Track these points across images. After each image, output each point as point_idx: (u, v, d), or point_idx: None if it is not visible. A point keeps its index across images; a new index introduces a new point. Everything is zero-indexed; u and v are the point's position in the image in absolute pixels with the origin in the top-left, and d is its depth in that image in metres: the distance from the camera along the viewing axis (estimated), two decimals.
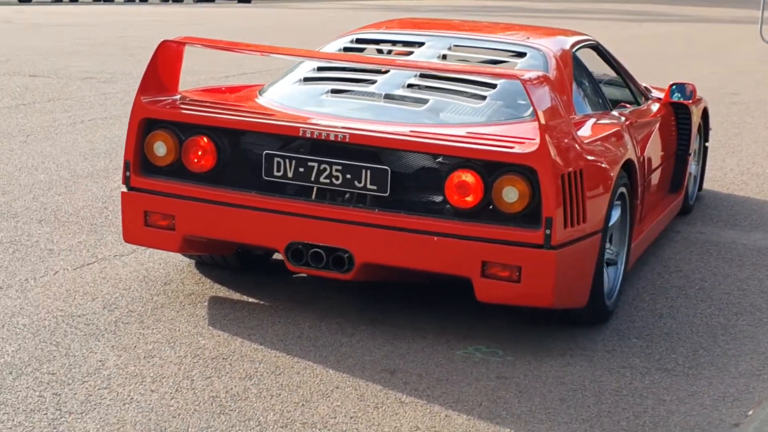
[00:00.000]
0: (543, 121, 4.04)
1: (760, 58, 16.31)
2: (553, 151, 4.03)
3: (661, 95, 6.23)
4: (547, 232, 4.04)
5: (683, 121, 6.24)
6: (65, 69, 11.95)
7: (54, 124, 8.50)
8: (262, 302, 4.68)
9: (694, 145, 6.56)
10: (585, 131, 4.60)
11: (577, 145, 4.25)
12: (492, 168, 4.09)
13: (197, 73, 11.86)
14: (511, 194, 4.06)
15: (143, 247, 5.12)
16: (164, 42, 4.48)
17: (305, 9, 27.99)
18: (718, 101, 11.62)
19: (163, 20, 21.21)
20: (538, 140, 4.04)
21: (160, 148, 4.42)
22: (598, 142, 4.54)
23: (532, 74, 4.22)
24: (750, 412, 3.84)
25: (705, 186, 7.33)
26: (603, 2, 33.53)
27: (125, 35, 16.30)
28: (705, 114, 6.87)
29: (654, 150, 5.60)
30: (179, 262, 5.11)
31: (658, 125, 5.78)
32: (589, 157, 4.31)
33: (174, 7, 29.04)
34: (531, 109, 4.22)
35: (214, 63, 12.75)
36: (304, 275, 4.86)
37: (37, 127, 8.34)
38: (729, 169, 8.05)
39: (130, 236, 4.54)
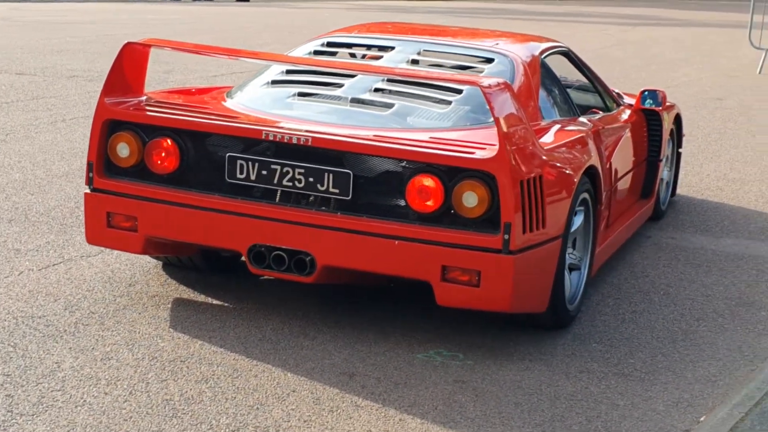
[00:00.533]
0: (503, 128, 4.06)
1: (748, 63, 16.33)
2: (511, 157, 4.05)
3: (633, 101, 6.25)
4: (506, 237, 4.06)
5: (654, 128, 6.26)
6: (52, 67, 11.96)
7: (35, 123, 8.52)
8: (226, 304, 4.70)
9: (666, 151, 6.58)
10: (548, 137, 4.62)
11: (537, 151, 4.27)
12: (452, 173, 4.11)
13: (191, 72, 11.88)
14: (470, 199, 4.09)
15: (109, 249, 5.13)
16: (128, 44, 4.49)
17: (302, 9, 28.00)
18: (702, 106, 11.65)
19: (156, 18, 21.22)
20: (497, 146, 4.06)
21: (123, 150, 4.44)
22: (561, 148, 4.56)
23: (492, 81, 4.25)
24: (702, 418, 3.86)
25: (680, 191, 7.35)
26: (598, 6, 33.52)
27: (115, 33, 16.30)
28: (678, 120, 6.90)
29: (623, 156, 5.62)
30: (146, 263, 5.13)
31: (628, 131, 5.80)
32: (550, 163, 4.33)
33: (171, 5, 29.03)
34: None
35: (206, 62, 12.76)
36: (271, 278, 4.88)
37: (17, 126, 8.36)
38: (706, 175, 8.07)
39: (92, 237, 4.56)
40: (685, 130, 7.37)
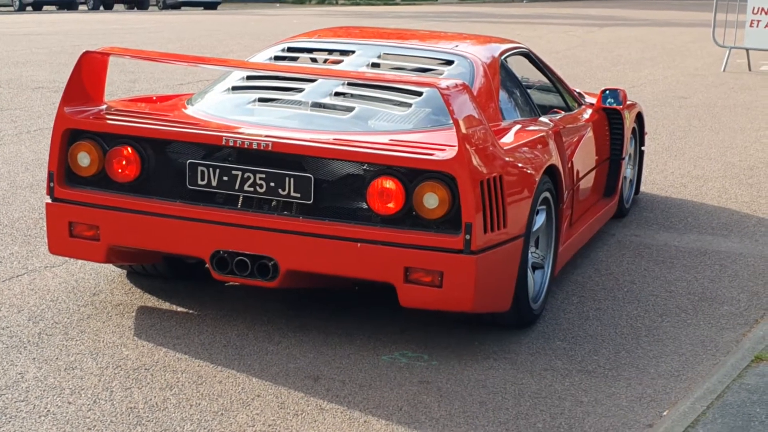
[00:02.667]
0: (462, 129, 4.09)
1: (713, 61, 16.49)
2: (471, 158, 4.08)
3: (594, 101, 6.30)
4: (467, 237, 4.09)
5: (616, 126, 6.31)
6: (17, 79, 11.89)
7: None
8: (191, 311, 4.70)
9: (629, 149, 6.64)
10: (508, 138, 4.65)
11: (497, 152, 4.30)
12: (412, 175, 4.13)
13: (157, 81, 11.86)
14: (431, 200, 4.11)
15: (73, 259, 5.11)
16: (87, 52, 4.48)
17: (271, 16, 27.98)
18: (667, 104, 11.74)
19: (123, 28, 21.14)
20: (457, 147, 4.08)
21: (84, 159, 4.43)
22: (521, 148, 4.59)
23: (450, 83, 4.27)
24: (665, 413, 3.90)
25: (644, 189, 7.41)
26: (564, 7, 33.74)
27: (81, 44, 16.23)
28: (640, 118, 6.95)
29: (584, 155, 5.67)
30: (110, 272, 5.12)
31: (589, 130, 5.84)
32: (510, 163, 4.36)
33: (139, 14, 28.96)
34: None
35: (172, 71, 12.73)
36: (236, 283, 4.88)
37: None
38: (670, 172, 8.14)
39: (55, 248, 4.55)
40: (649, 128, 7.45)
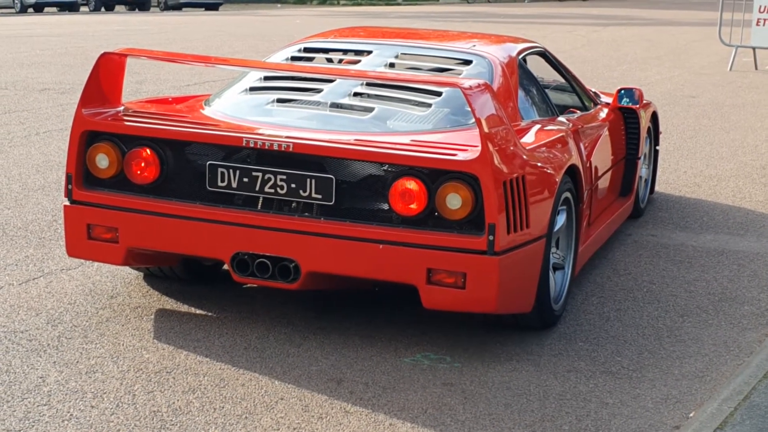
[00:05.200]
0: (484, 129, 4.05)
1: (719, 60, 16.46)
2: (494, 158, 4.05)
3: (610, 100, 6.27)
4: (490, 238, 4.06)
5: (632, 126, 6.28)
6: (23, 81, 11.86)
7: (8, 137, 8.44)
8: (210, 314, 4.67)
9: (644, 148, 6.61)
10: (529, 138, 4.62)
11: (519, 152, 4.27)
12: (435, 175, 4.10)
13: (163, 82, 11.83)
14: (454, 201, 4.08)
15: (90, 261, 5.09)
16: (105, 54, 4.45)
17: (273, 16, 27.96)
18: (676, 104, 11.71)
19: (126, 29, 21.12)
20: (479, 147, 4.05)
21: (103, 161, 4.40)
22: (542, 148, 4.56)
23: (473, 82, 4.24)
24: (691, 414, 3.87)
25: (658, 189, 7.38)
26: (568, 7, 33.73)
27: (85, 45, 16.20)
28: (654, 118, 6.92)
29: (602, 155, 5.64)
30: (127, 275, 5.09)
31: (606, 130, 5.81)
32: (532, 163, 4.33)
33: (140, 15, 28.93)
34: None
35: (177, 72, 12.70)
36: (255, 285, 4.85)
37: None
38: (683, 172, 8.11)
39: (73, 250, 4.51)
40: (660, 127, 7.40)
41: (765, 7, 15.03)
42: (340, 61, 5.66)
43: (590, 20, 26.49)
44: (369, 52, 5.28)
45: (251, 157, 4.29)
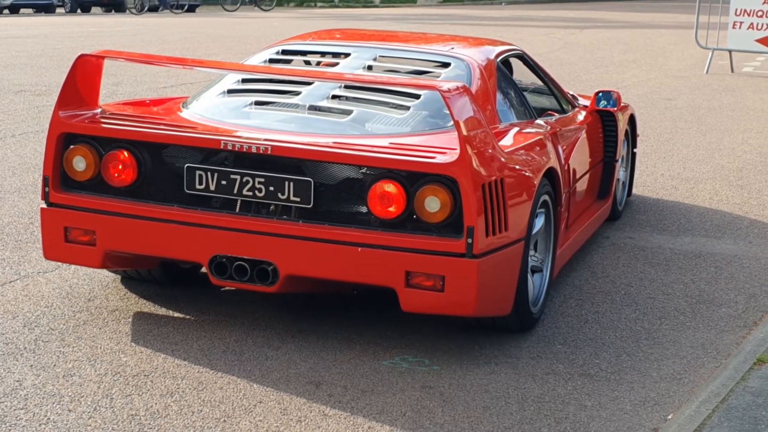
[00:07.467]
0: (463, 132, 4.06)
1: (695, 63, 16.56)
2: (473, 161, 4.05)
3: (588, 103, 6.29)
4: (469, 241, 4.06)
5: (609, 128, 6.31)
6: None
7: None
8: (188, 317, 4.64)
9: (622, 151, 6.63)
10: (507, 140, 4.63)
11: (497, 155, 4.28)
12: (413, 178, 4.10)
13: (140, 84, 11.76)
14: (432, 204, 4.08)
15: (67, 264, 5.05)
16: (82, 56, 4.42)
17: (250, 18, 27.89)
18: (653, 107, 11.77)
19: (101, 31, 21.00)
20: (458, 150, 4.05)
21: (80, 163, 4.37)
22: (520, 151, 4.57)
23: (451, 85, 4.24)
24: (669, 416, 3.88)
25: (635, 191, 7.41)
26: (544, 10, 33.82)
27: (61, 47, 16.10)
28: (632, 120, 6.95)
29: (579, 157, 5.65)
30: (104, 277, 5.05)
31: (584, 133, 5.83)
32: (510, 166, 4.34)
33: (116, 17, 28.79)
34: None
35: (155, 74, 12.64)
36: (234, 288, 4.83)
37: None
38: (659, 174, 8.15)
39: (50, 253, 4.48)
40: (638, 130, 7.44)
41: (741, 10, 15.14)
42: (319, 63, 5.65)
43: (567, 23, 26.58)
44: (347, 55, 5.27)
45: (229, 160, 4.27)
